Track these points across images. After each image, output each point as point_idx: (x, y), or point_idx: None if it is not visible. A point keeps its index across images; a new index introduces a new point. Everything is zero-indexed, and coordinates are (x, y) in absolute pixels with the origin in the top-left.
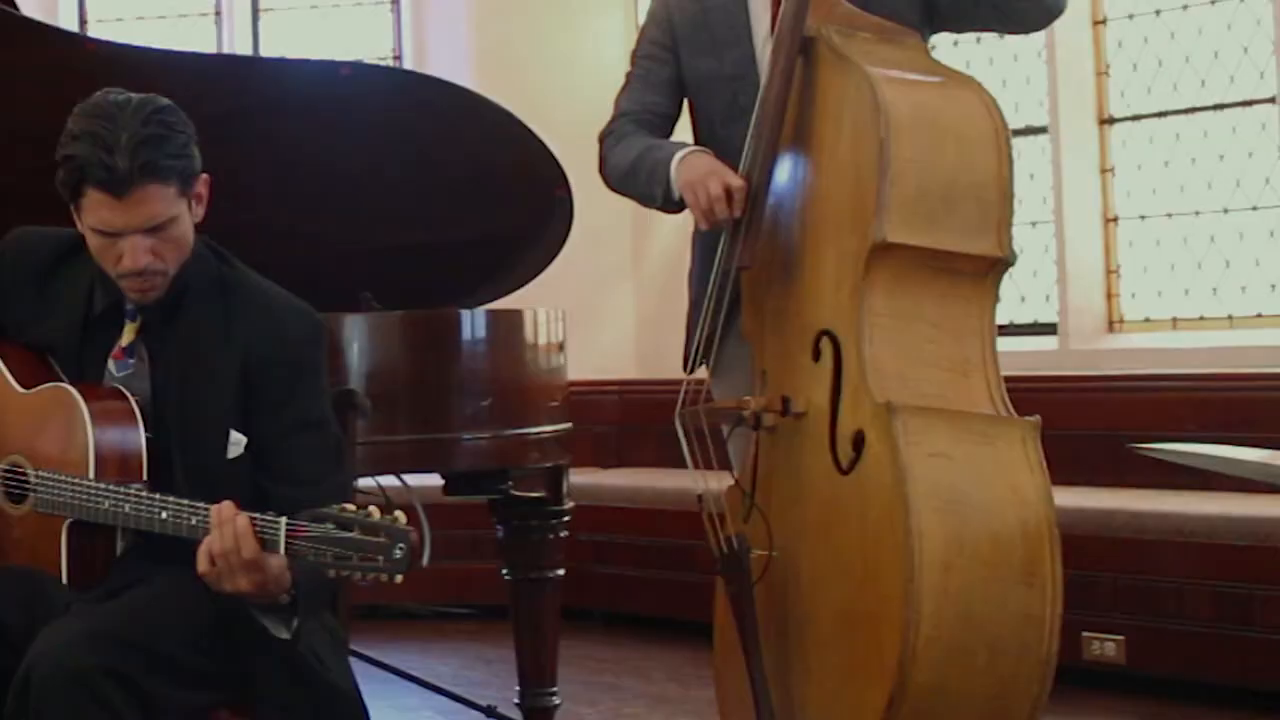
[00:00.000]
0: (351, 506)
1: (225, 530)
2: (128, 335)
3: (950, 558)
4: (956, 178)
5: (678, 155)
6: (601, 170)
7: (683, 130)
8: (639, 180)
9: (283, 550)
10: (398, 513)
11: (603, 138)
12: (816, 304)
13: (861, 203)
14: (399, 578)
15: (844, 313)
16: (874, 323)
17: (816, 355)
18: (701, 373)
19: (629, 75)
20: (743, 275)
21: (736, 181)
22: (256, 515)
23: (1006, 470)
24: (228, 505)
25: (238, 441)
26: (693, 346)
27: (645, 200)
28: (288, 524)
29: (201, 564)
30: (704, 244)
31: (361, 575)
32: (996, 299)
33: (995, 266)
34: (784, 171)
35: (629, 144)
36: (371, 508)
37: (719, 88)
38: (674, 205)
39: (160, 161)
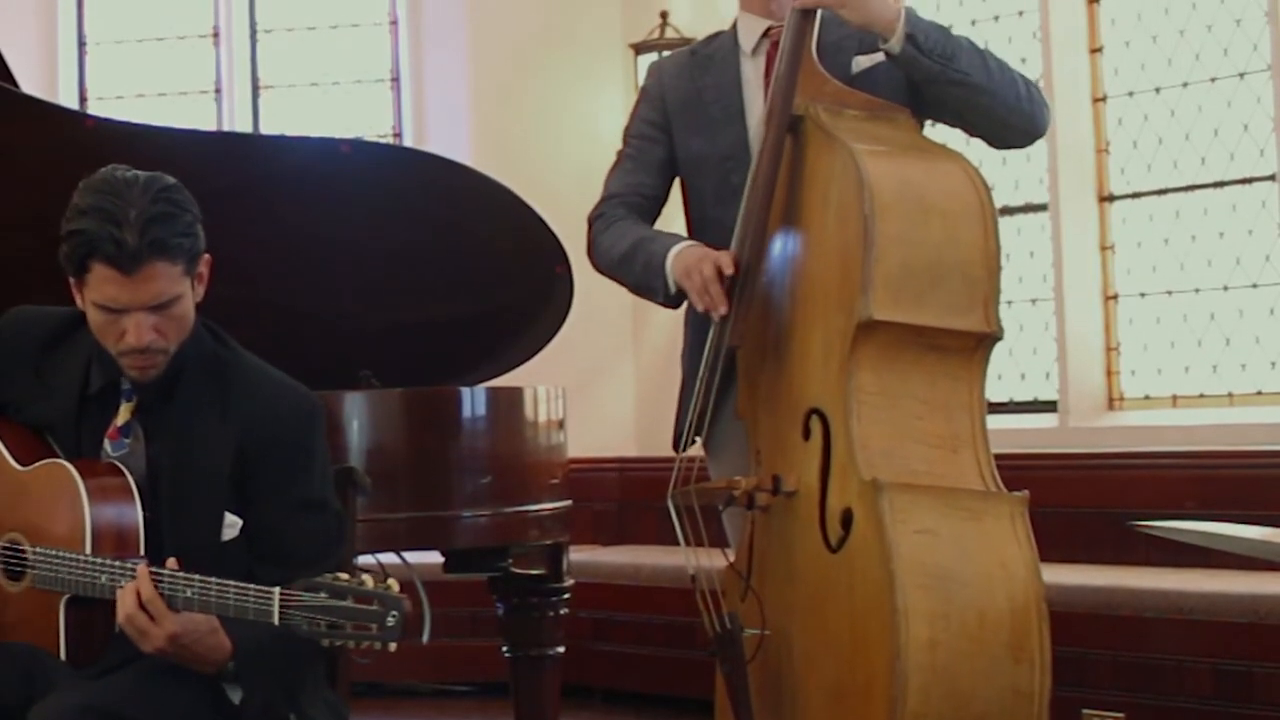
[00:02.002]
0: (345, 575)
1: (129, 591)
2: (123, 415)
3: (936, 634)
4: (942, 254)
5: (673, 251)
6: (590, 253)
7: (674, 207)
8: (633, 271)
9: (276, 620)
10: (391, 581)
11: (592, 220)
12: (806, 382)
13: (847, 280)
14: (393, 646)
15: (832, 390)
16: (862, 400)
17: (807, 433)
18: (695, 450)
19: (620, 154)
20: (738, 354)
21: (726, 259)
22: (250, 587)
23: (994, 546)
24: (143, 567)
25: (233, 524)
26: (682, 426)
27: (640, 291)
28: (281, 594)
29: (120, 617)
30: (695, 323)
31: (356, 644)
32: (986, 374)
33: (983, 342)
34: (775, 250)
35: (620, 230)
36: (365, 576)
37: (711, 167)
38: (674, 300)
39: (169, 239)
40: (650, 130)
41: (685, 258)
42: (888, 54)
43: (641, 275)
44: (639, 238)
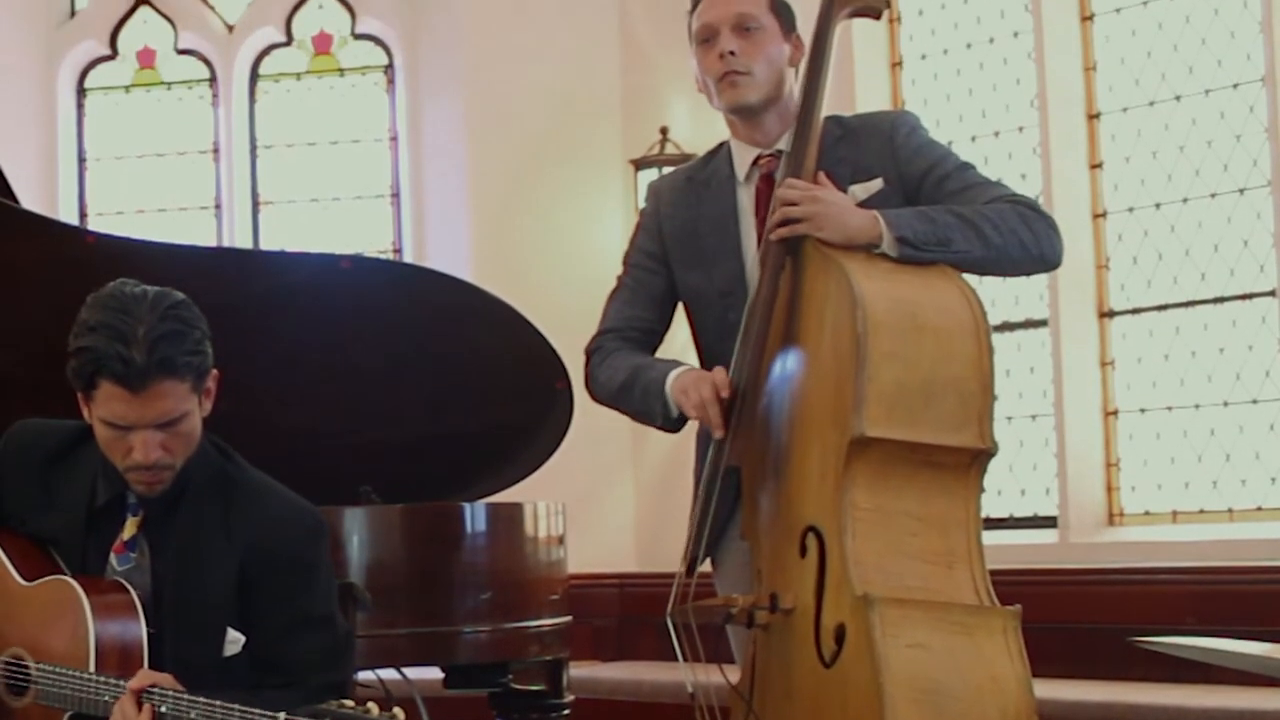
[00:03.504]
0: (350, 703)
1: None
2: (129, 529)
3: None
4: (935, 371)
5: (671, 375)
6: (588, 386)
7: (679, 325)
8: (633, 398)
9: None
10: (396, 710)
11: (589, 353)
12: (803, 500)
13: (841, 397)
14: None
15: (827, 508)
16: (856, 516)
17: (803, 551)
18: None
19: (620, 281)
20: (743, 476)
21: (723, 381)
22: (254, 710)
23: (986, 660)
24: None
25: (235, 640)
26: (688, 549)
27: (642, 417)
28: (286, 718)
29: None
30: (702, 444)
31: None
32: (981, 489)
33: (978, 458)
34: (775, 370)
35: (616, 362)
36: (370, 704)
37: (710, 304)
38: (674, 423)
39: (177, 358)
40: (648, 261)
41: (683, 378)
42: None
43: (641, 401)
44: (636, 365)
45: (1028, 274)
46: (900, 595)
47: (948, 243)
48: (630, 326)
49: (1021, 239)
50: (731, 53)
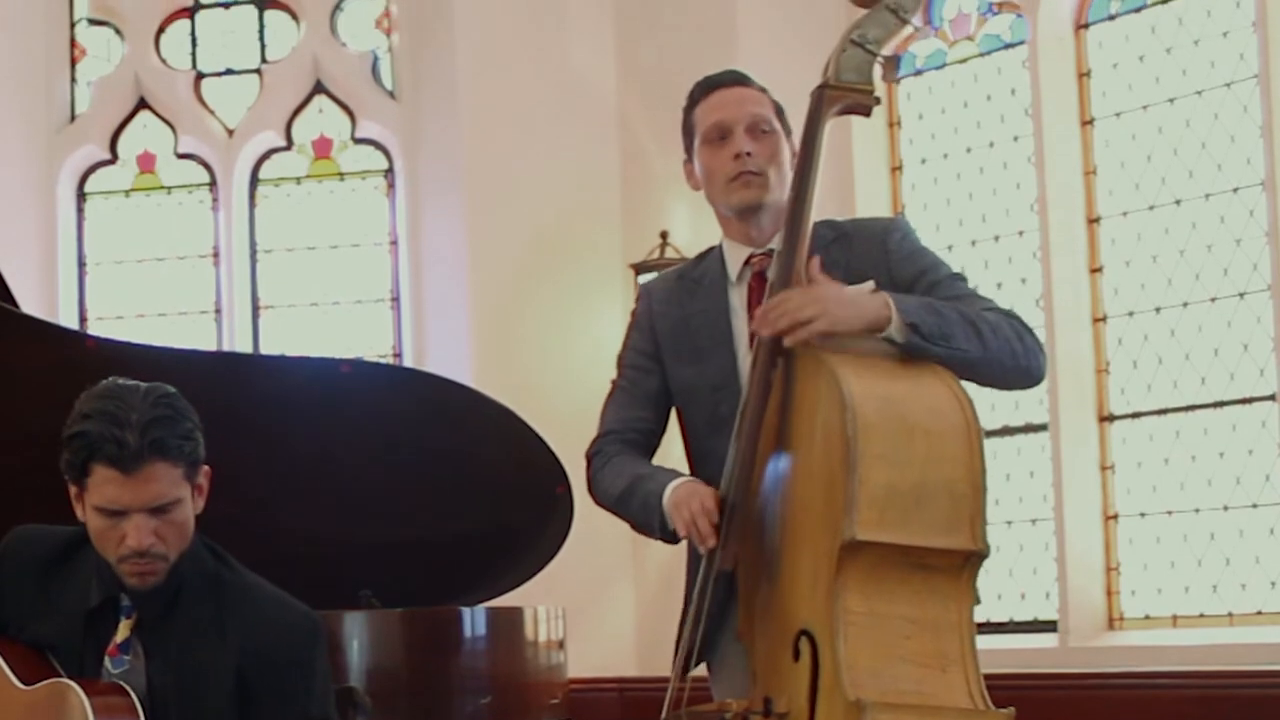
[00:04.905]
0: None
1: None
2: (122, 632)
3: None
4: (927, 473)
5: (669, 489)
6: (590, 490)
7: (674, 431)
8: (632, 509)
9: None
10: None
11: (590, 457)
12: (795, 604)
13: (832, 501)
14: None
15: (820, 612)
16: (848, 620)
17: (796, 655)
18: (693, 672)
19: (615, 384)
20: (738, 578)
21: (710, 499)
22: None
23: None
24: None
25: None
26: (679, 654)
27: (641, 528)
28: None
29: None
30: (694, 547)
31: None
32: (974, 591)
33: (971, 560)
34: (769, 474)
35: (617, 468)
36: None
37: (702, 398)
38: (672, 536)
39: (169, 441)
40: (642, 360)
41: (677, 493)
42: (890, 342)
43: (640, 513)
44: (635, 476)
45: (1009, 386)
46: (893, 699)
47: (949, 338)
48: (629, 429)
49: (1013, 348)
50: (748, 153)
